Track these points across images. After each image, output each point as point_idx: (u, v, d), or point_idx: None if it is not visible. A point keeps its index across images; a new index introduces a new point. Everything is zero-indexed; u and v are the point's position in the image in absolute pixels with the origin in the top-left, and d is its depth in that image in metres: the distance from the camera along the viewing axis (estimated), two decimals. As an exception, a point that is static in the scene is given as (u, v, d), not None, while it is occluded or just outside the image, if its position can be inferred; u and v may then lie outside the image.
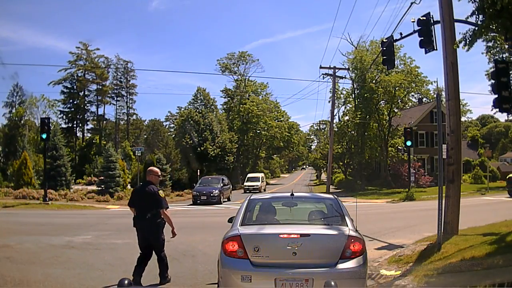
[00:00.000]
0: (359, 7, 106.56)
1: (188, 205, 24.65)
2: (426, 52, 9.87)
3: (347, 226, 5.01)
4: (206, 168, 41.80)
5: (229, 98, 55.77)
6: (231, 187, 30.43)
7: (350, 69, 37.79)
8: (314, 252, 4.61)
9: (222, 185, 26.54)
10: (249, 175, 43.31)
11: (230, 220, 5.89)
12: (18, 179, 26.08)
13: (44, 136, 20.58)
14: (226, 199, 26.70)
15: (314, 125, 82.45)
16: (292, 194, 5.85)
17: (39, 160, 30.94)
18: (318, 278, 4.36)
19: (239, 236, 4.69)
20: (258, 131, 55.66)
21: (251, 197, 5.97)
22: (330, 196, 6.29)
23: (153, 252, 6.44)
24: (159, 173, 6.79)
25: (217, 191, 25.19)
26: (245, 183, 40.64)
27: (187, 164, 41.19)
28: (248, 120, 52.55)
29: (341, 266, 4.55)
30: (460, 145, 8.99)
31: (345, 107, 43.30)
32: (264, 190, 38.29)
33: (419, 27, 9.90)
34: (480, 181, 38.03)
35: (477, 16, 6.93)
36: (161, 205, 6.33)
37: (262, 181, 40.85)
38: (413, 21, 10.29)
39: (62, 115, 55.02)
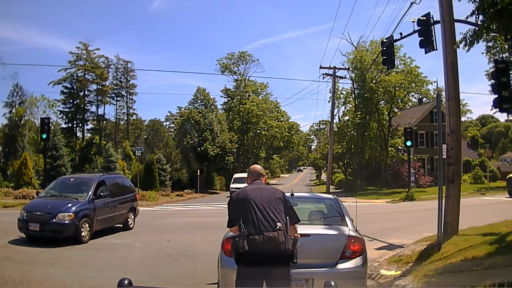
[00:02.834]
0: (359, 7, 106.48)
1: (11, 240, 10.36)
2: (426, 52, 9.88)
3: (347, 226, 5.02)
4: (206, 168, 41.89)
5: (229, 98, 55.80)
6: (134, 199, 13.52)
7: (350, 69, 37.76)
8: (314, 252, 4.61)
9: (93, 196, 11.06)
10: (236, 175, 34.60)
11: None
12: (18, 179, 26.08)
13: (44, 136, 20.53)
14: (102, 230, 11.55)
15: (314, 125, 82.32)
16: (292, 194, 5.83)
17: (39, 160, 30.94)
18: (318, 278, 4.36)
19: (239, 236, 4.67)
20: (258, 131, 55.68)
21: None
22: (330, 196, 6.29)
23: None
24: None
25: (70, 213, 10.19)
26: (231, 185, 32.29)
27: (187, 164, 41.21)
28: (248, 120, 52.59)
29: (341, 266, 4.55)
30: (460, 145, 9.00)
31: (345, 107, 43.36)
32: None
33: (419, 27, 9.90)
34: (480, 181, 38.06)
35: (477, 16, 6.94)
36: (296, 217, 3.83)
37: None
38: (413, 21, 10.30)
39: (62, 115, 54.85)
